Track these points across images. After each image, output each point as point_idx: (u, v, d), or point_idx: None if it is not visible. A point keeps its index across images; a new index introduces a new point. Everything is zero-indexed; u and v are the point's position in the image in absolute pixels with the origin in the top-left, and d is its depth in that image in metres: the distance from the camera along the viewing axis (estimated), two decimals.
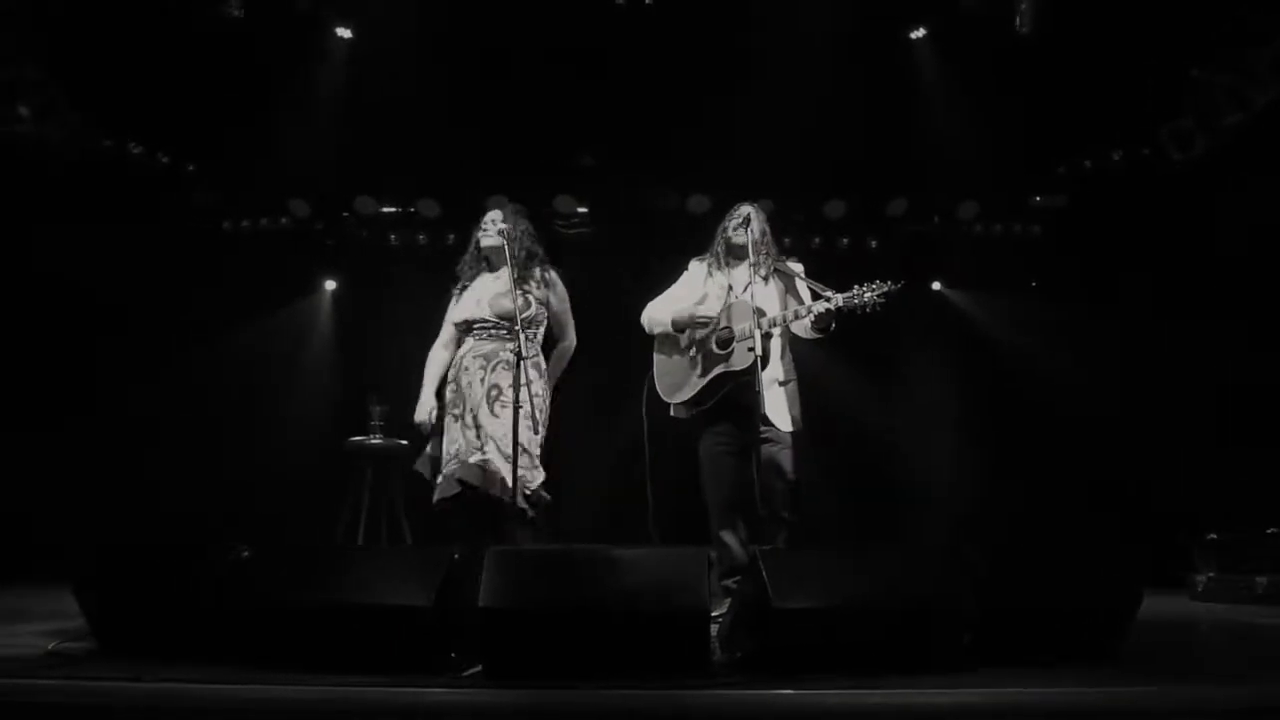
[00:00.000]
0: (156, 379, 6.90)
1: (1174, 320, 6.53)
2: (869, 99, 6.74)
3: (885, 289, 4.01)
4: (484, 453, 4.28)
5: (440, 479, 4.38)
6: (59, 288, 6.65)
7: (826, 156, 6.89)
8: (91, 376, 6.83)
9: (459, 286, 4.69)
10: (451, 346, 4.66)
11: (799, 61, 6.36)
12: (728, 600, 3.86)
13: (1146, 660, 3.20)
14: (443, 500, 4.36)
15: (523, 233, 4.64)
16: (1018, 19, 6.05)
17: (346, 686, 2.66)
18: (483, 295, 4.56)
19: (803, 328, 4.31)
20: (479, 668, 2.95)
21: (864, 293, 4.02)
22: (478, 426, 4.34)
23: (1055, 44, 6.16)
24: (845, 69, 6.45)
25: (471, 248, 4.71)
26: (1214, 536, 5.77)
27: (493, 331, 4.48)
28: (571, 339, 4.69)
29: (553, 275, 4.64)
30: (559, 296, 4.64)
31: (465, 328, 4.56)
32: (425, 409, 4.57)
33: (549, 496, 4.40)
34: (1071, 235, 7.36)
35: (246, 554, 3.25)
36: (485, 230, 4.61)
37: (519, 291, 4.34)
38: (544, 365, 4.56)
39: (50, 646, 3.28)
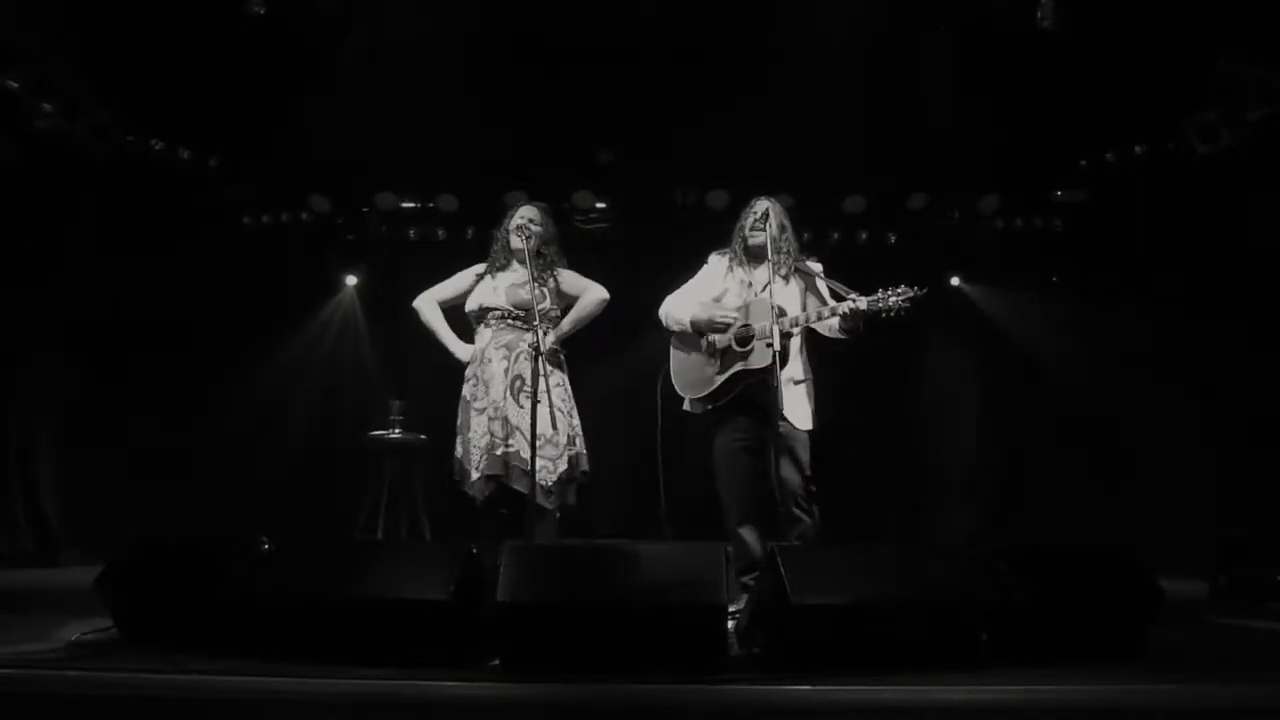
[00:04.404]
0: (175, 376, 6.95)
1: (1200, 317, 6.47)
2: (889, 93, 6.70)
3: (911, 294, 3.97)
4: (509, 445, 4.30)
5: (476, 475, 4.37)
6: (84, 286, 6.72)
7: (846, 151, 6.86)
8: (117, 374, 6.90)
9: (484, 273, 4.70)
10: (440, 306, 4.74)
11: (819, 56, 6.34)
12: (745, 596, 3.86)
13: (1166, 658, 3.19)
14: (484, 499, 4.36)
15: (552, 235, 4.68)
16: (1039, 13, 5.99)
17: (365, 679, 2.68)
18: (499, 284, 4.58)
19: (828, 328, 4.29)
20: (497, 661, 2.97)
21: (889, 297, 3.99)
22: (503, 419, 4.36)
23: (1077, 36, 6.10)
24: (865, 63, 6.42)
25: (501, 241, 4.71)
26: (1237, 533, 5.72)
27: (509, 321, 4.50)
28: (594, 291, 4.67)
29: (558, 270, 4.68)
30: (565, 280, 4.66)
31: (480, 315, 4.58)
32: (466, 348, 4.60)
33: (572, 501, 4.43)
34: (1093, 230, 7.30)
35: (267, 547, 3.28)
36: (520, 230, 4.60)
37: (535, 284, 4.37)
38: (563, 357, 4.58)
39: (74, 637, 3.32)
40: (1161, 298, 6.74)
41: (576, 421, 4.53)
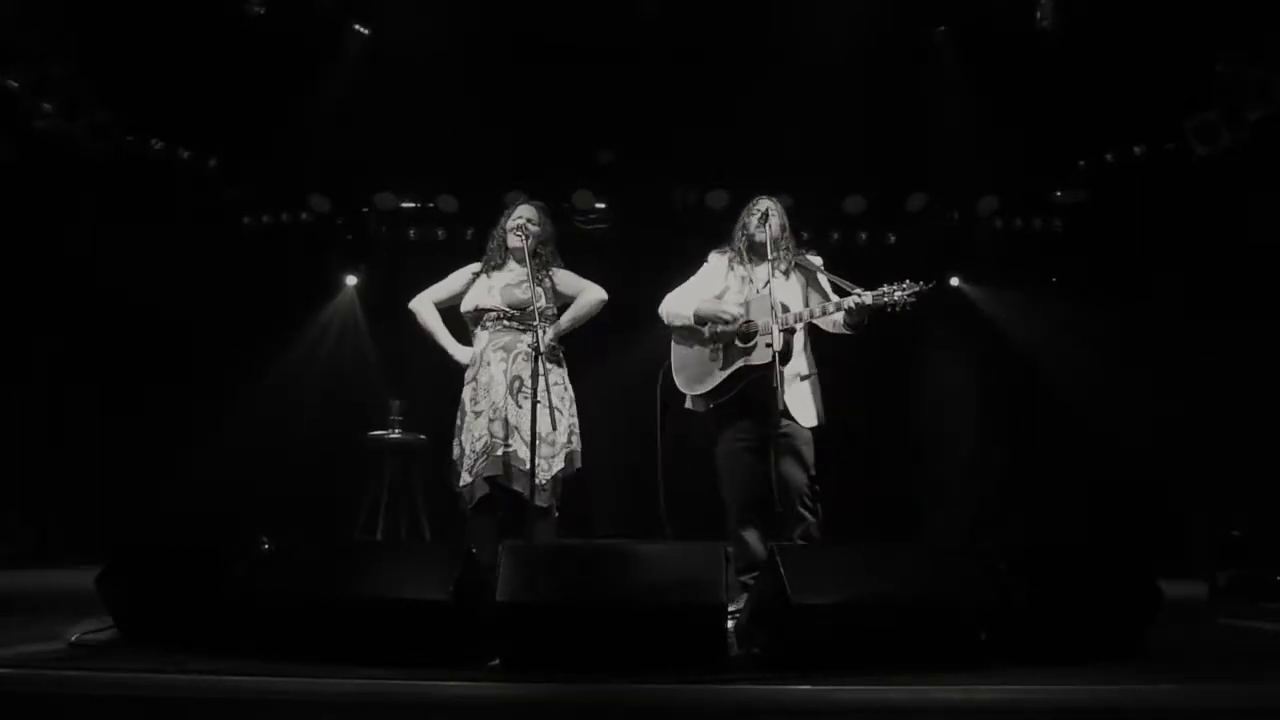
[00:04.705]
0: (175, 375, 6.96)
1: (1199, 317, 6.48)
2: (889, 94, 6.71)
3: (917, 289, 3.96)
4: (508, 445, 4.30)
5: (469, 479, 4.37)
6: (86, 287, 6.73)
7: (847, 151, 6.87)
8: (116, 373, 6.90)
9: (480, 272, 4.70)
10: (437, 306, 4.72)
11: (819, 56, 6.35)
12: (745, 596, 3.86)
13: (1165, 657, 3.18)
14: (478, 501, 4.35)
15: (549, 235, 4.68)
16: (1038, 13, 6.00)
17: (365, 680, 2.68)
18: (495, 284, 4.58)
19: (832, 323, 4.29)
20: (497, 661, 2.97)
21: (894, 291, 3.98)
22: (503, 420, 4.35)
23: (1076, 37, 6.11)
24: (865, 64, 6.43)
25: (498, 240, 4.71)
26: (1237, 533, 5.73)
27: (506, 323, 4.49)
28: (593, 291, 4.67)
29: (554, 271, 4.68)
30: (561, 280, 4.66)
31: (476, 317, 4.57)
32: (465, 350, 4.59)
33: (554, 511, 4.43)
34: (1092, 230, 7.31)
35: (267, 547, 3.28)
36: (519, 229, 4.60)
37: (534, 284, 4.37)
38: (561, 354, 4.57)
39: (73, 637, 3.31)
40: (1161, 298, 6.74)
41: (575, 419, 4.53)
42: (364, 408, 7.02)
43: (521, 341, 4.42)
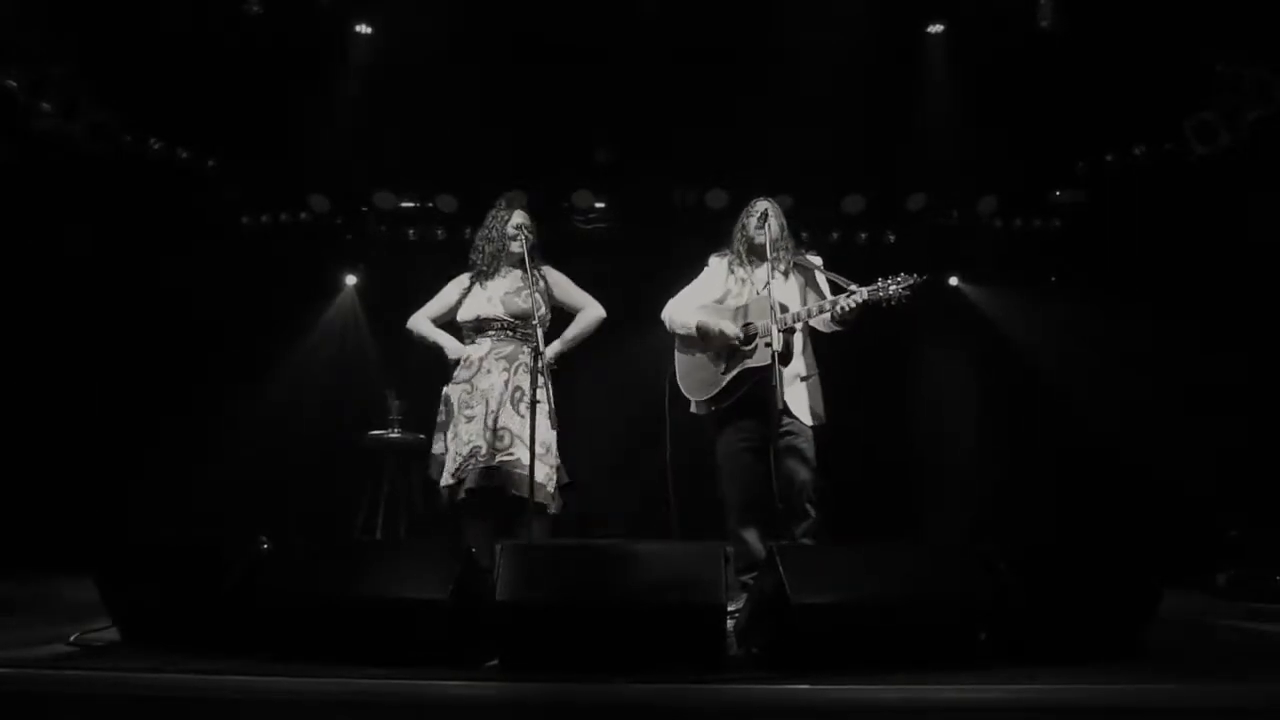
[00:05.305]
0: (175, 376, 6.95)
1: (1199, 317, 6.47)
2: (889, 94, 6.70)
3: (910, 282, 3.97)
4: (511, 453, 4.28)
5: (450, 480, 4.36)
6: (86, 287, 6.72)
7: (845, 151, 6.86)
8: (113, 374, 6.90)
9: (473, 278, 4.68)
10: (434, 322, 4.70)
11: (818, 56, 6.34)
12: (745, 595, 3.86)
13: (1164, 657, 3.19)
14: (460, 504, 4.35)
15: (538, 238, 4.69)
16: (1038, 13, 6.00)
17: (364, 679, 2.68)
18: (493, 293, 4.56)
19: (822, 322, 4.30)
20: (496, 661, 2.97)
21: (889, 285, 3.99)
22: (499, 429, 4.34)
23: (1076, 37, 6.11)
24: (865, 64, 6.42)
25: (493, 244, 4.69)
26: (1235, 533, 5.73)
27: (509, 332, 4.49)
28: (593, 310, 4.70)
29: (544, 269, 4.68)
30: (556, 282, 4.66)
31: (479, 326, 4.55)
32: (459, 346, 4.58)
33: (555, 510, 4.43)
34: (1092, 230, 7.30)
35: (267, 547, 3.28)
36: (517, 235, 4.60)
37: (531, 291, 4.37)
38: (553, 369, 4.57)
39: (74, 637, 3.32)
40: (1161, 298, 6.73)
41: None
42: (364, 408, 7.01)
43: (524, 352, 4.42)
